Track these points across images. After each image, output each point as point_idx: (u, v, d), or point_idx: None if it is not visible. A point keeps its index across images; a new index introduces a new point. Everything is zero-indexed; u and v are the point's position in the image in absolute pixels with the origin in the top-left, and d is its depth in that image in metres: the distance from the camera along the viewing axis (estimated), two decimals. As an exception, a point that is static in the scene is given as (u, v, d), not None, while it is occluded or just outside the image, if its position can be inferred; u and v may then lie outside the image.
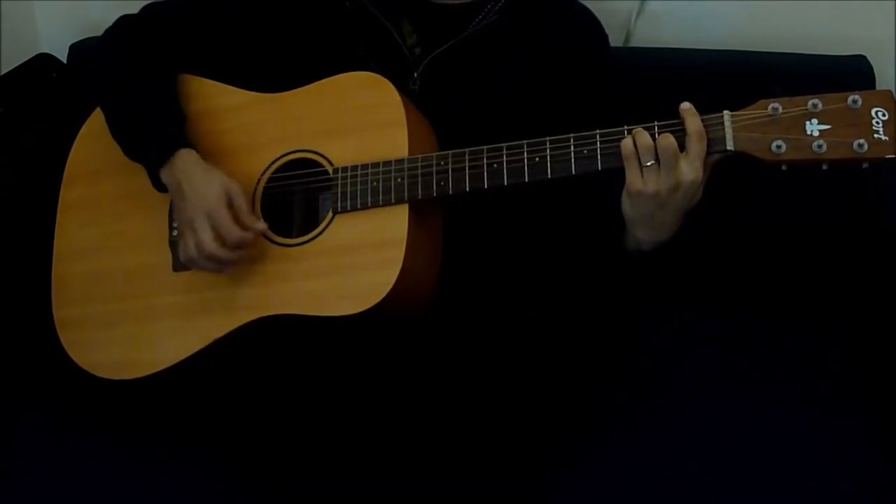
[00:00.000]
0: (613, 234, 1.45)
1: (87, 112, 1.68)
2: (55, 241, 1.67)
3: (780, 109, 1.25)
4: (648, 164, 1.30)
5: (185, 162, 1.48)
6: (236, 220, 1.44)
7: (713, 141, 1.28)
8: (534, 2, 1.56)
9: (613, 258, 1.50)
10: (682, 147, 1.29)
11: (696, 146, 1.28)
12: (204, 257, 1.45)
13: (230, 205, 1.44)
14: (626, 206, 1.36)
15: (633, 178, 1.31)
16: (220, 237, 1.43)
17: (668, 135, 1.29)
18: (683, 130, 1.29)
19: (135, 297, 1.58)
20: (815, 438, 1.54)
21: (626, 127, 1.32)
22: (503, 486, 1.43)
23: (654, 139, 1.30)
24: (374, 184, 1.43)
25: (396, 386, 1.46)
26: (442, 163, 1.40)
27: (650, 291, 1.78)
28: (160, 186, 1.52)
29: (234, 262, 1.46)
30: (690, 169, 1.29)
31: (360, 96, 1.47)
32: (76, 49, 2.04)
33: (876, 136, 1.21)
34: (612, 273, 1.67)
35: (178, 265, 1.55)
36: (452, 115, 1.50)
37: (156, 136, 1.51)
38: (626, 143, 1.31)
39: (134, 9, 1.63)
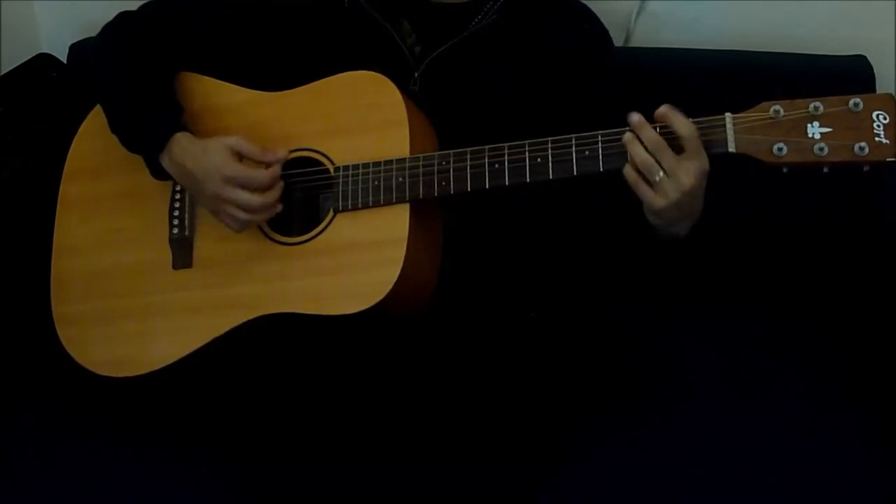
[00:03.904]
0: (645, 237, 1.43)
1: (87, 112, 1.68)
2: (55, 238, 1.67)
3: (782, 112, 1.25)
4: (657, 178, 1.30)
5: (182, 145, 1.48)
6: (255, 164, 1.44)
7: (715, 142, 1.28)
8: (533, 1, 1.56)
9: (650, 253, 1.50)
10: (678, 150, 1.29)
11: (690, 142, 1.28)
12: (254, 214, 1.44)
13: (240, 157, 1.44)
14: (654, 220, 1.35)
15: (650, 198, 1.31)
16: (253, 188, 1.43)
17: (651, 132, 1.29)
18: (671, 134, 1.29)
19: (134, 294, 1.58)
20: (816, 438, 1.55)
21: (627, 128, 1.32)
22: (502, 485, 1.44)
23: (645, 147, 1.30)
24: (376, 183, 1.43)
25: (397, 385, 1.46)
26: (443, 162, 1.40)
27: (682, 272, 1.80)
28: (161, 174, 1.52)
29: (278, 198, 1.45)
30: (696, 159, 1.29)
31: (361, 95, 1.47)
32: (76, 49, 2.04)
33: (877, 139, 1.22)
34: (649, 265, 1.71)
35: (178, 263, 1.55)
36: (453, 115, 1.50)
37: (152, 124, 1.51)
38: (628, 171, 1.31)
39: (133, 7, 1.63)
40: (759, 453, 1.51)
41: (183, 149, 1.47)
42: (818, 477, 1.49)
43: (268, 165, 1.45)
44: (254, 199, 1.43)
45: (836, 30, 1.91)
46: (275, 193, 1.45)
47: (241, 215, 1.44)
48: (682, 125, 1.28)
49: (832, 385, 1.65)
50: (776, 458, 1.50)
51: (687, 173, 1.28)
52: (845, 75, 1.84)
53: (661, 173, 1.29)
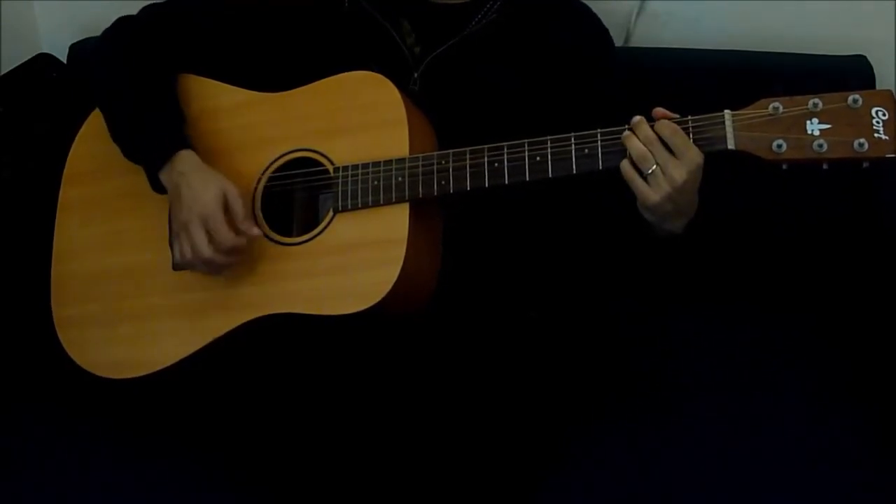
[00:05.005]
0: (641, 233, 1.44)
1: (87, 112, 1.68)
2: (55, 241, 1.67)
3: (781, 109, 1.25)
4: (650, 171, 1.30)
5: (184, 164, 1.48)
6: (232, 224, 1.43)
7: (714, 139, 1.28)
8: (533, 0, 1.56)
9: (647, 250, 1.50)
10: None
11: (673, 139, 1.29)
12: (199, 261, 1.45)
13: (226, 209, 1.44)
14: (648, 216, 1.36)
15: (644, 193, 1.31)
16: (214, 241, 1.43)
17: (646, 126, 1.30)
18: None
19: (134, 296, 1.57)
20: (816, 438, 1.55)
21: (626, 126, 1.32)
22: (502, 486, 1.43)
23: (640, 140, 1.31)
24: (375, 183, 1.43)
25: (397, 385, 1.46)
26: (443, 162, 1.40)
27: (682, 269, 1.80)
28: (159, 188, 1.51)
29: (229, 266, 1.46)
30: (686, 154, 1.29)
31: (360, 95, 1.47)
32: (76, 49, 2.04)
33: (876, 135, 1.22)
34: (645, 263, 1.72)
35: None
36: (453, 115, 1.50)
37: (155, 138, 1.51)
38: (624, 165, 1.32)
39: (133, 9, 1.63)
40: (758, 454, 1.51)
41: (184, 168, 1.47)
42: (817, 477, 1.49)
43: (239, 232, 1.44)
44: (207, 250, 1.43)
45: (836, 30, 1.91)
46: (227, 259, 1.45)
47: (188, 254, 1.44)
48: (661, 126, 1.30)
49: (832, 385, 1.65)
50: (775, 459, 1.50)
51: (677, 167, 1.29)
52: (845, 75, 1.83)
53: (655, 166, 1.29)
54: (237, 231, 1.43)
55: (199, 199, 1.44)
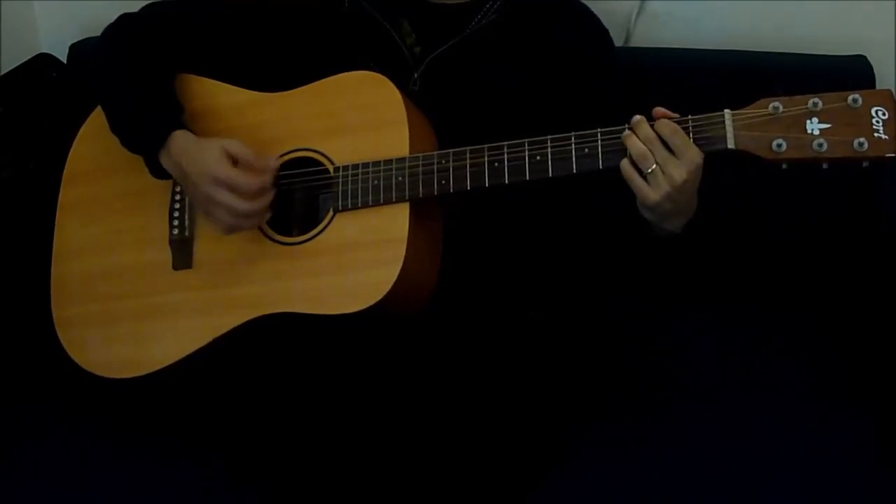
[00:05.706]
0: (641, 233, 1.44)
1: (87, 112, 1.68)
2: (55, 241, 1.67)
3: (781, 108, 1.25)
4: (650, 170, 1.30)
5: (179, 143, 1.48)
6: (249, 170, 1.44)
7: (713, 139, 1.28)
8: (533, 1, 1.57)
9: (646, 249, 1.50)
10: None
11: (673, 139, 1.29)
12: (241, 218, 1.44)
13: (235, 161, 1.44)
14: (647, 215, 1.36)
15: (643, 192, 1.31)
16: (242, 193, 1.43)
17: (646, 126, 1.30)
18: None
19: (135, 295, 1.57)
20: (816, 438, 1.55)
21: (626, 126, 1.32)
22: (501, 486, 1.43)
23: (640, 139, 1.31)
24: (375, 182, 1.43)
25: (396, 385, 1.46)
26: (443, 161, 1.40)
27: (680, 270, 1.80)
28: (161, 174, 1.52)
29: (267, 206, 1.46)
30: (686, 153, 1.29)
31: (360, 95, 1.47)
32: (76, 49, 2.04)
33: (876, 135, 1.22)
34: (645, 263, 1.72)
35: (179, 263, 1.55)
36: (453, 115, 1.50)
37: (152, 123, 1.51)
38: (624, 164, 1.32)
39: (134, 9, 1.63)
40: (757, 454, 1.51)
41: (180, 147, 1.48)
42: (817, 477, 1.49)
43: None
44: (242, 204, 1.43)
45: (836, 30, 1.92)
46: (264, 201, 1.45)
47: (228, 219, 1.44)
48: (661, 125, 1.30)
49: (832, 385, 1.65)
50: (775, 459, 1.50)
51: (677, 167, 1.29)
52: (845, 75, 1.84)
53: (654, 165, 1.29)
54: (257, 173, 1.44)
55: (205, 167, 1.44)
